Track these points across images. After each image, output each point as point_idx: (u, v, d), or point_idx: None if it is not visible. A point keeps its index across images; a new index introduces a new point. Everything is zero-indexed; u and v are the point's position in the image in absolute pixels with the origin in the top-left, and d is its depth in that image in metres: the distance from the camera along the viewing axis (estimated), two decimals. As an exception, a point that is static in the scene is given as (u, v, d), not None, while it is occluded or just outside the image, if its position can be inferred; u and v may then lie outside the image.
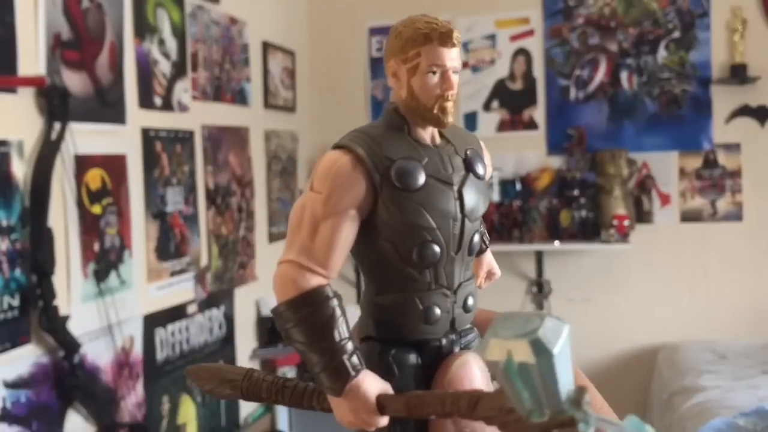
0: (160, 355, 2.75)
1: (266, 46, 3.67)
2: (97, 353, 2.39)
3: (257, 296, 3.51)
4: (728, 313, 3.92)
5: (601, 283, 4.03)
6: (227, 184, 3.26)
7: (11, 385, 2.04)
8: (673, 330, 3.95)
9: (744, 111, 3.88)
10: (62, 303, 2.19)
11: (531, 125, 4.10)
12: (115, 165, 2.50)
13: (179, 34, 2.92)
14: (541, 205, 3.93)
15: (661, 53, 3.96)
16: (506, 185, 4.00)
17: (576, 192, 3.89)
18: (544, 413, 0.48)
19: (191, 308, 2.97)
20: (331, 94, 4.27)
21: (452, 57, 0.64)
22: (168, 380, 2.79)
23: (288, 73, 3.94)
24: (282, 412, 3.54)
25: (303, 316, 0.60)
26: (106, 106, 2.47)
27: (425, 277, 0.65)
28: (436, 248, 0.64)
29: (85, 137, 2.31)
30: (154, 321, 2.71)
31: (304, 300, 0.60)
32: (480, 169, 0.68)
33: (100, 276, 2.39)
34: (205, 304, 3.07)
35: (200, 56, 3.07)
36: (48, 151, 2.13)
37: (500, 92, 4.13)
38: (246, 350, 3.44)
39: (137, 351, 2.61)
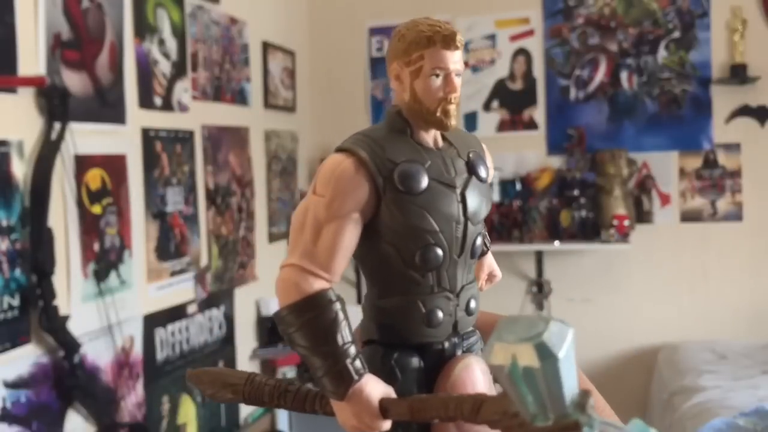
0: (160, 355, 2.75)
1: (266, 46, 3.67)
2: (97, 353, 2.39)
3: (257, 296, 3.51)
4: (728, 313, 3.92)
5: (601, 283, 4.03)
6: (227, 184, 3.25)
7: (11, 385, 2.04)
8: (673, 330, 3.95)
9: (744, 111, 3.88)
10: (62, 303, 2.19)
11: (531, 125, 4.10)
12: (115, 165, 2.50)
13: (179, 34, 2.91)
14: (541, 205, 3.93)
15: (661, 53, 3.96)
16: (506, 185, 4.00)
17: (576, 192, 3.89)
18: (549, 417, 0.48)
19: (191, 308, 2.97)
20: (331, 94, 4.26)
21: (455, 60, 0.64)
22: (168, 380, 2.79)
23: (288, 73, 3.94)
24: (282, 413, 3.54)
25: (306, 320, 0.60)
26: (106, 106, 2.47)
27: (428, 280, 0.65)
28: (439, 251, 0.64)
29: (85, 137, 2.31)
30: (154, 321, 2.70)
31: (307, 304, 0.60)
32: (482, 172, 0.68)
33: (100, 276, 2.38)
34: (205, 304, 3.07)
35: (200, 56, 3.07)
36: (48, 151, 2.13)
37: (500, 92, 4.13)
38: (246, 350, 3.44)
39: (137, 351, 2.61)
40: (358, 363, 0.60)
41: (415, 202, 0.63)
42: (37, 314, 2.10)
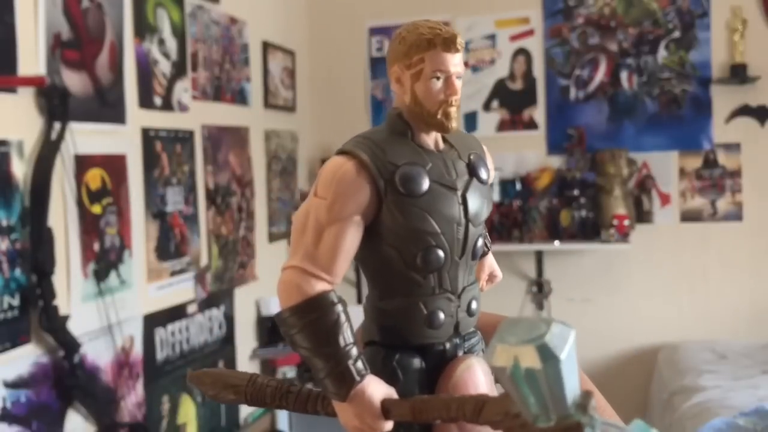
0: (160, 354, 2.75)
1: (266, 46, 3.67)
2: (97, 353, 2.39)
3: (257, 296, 3.51)
4: (728, 313, 3.92)
5: (601, 283, 4.03)
6: (227, 184, 3.25)
7: (11, 385, 2.04)
8: (673, 330, 3.96)
9: (744, 111, 3.88)
10: (62, 303, 2.19)
11: (531, 125, 4.10)
12: (115, 165, 2.50)
13: (179, 34, 2.92)
14: (541, 205, 3.94)
15: (661, 53, 3.96)
16: (506, 185, 4.00)
17: (576, 192, 3.89)
18: (551, 418, 0.48)
19: (191, 308, 2.97)
20: (331, 94, 4.26)
21: (456, 62, 0.64)
22: (168, 380, 2.79)
23: (288, 73, 3.94)
24: (282, 413, 3.54)
25: (308, 321, 0.60)
26: (106, 106, 2.47)
27: (429, 281, 0.65)
28: (440, 253, 0.64)
29: (85, 137, 2.31)
30: (154, 321, 2.71)
31: (308, 306, 0.60)
32: (483, 174, 0.69)
33: (100, 276, 2.39)
34: (205, 304, 3.07)
35: (200, 56, 3.07)
36: (48, 151, 2.13)
37: (500, 92, 4.13)
38: (246, 350, 3.44)
39: (137, 351, 2.61)
40: (360, 364, 0.60)
41: (417, 204, 0.63)
42: (37, 314, 2.10)
